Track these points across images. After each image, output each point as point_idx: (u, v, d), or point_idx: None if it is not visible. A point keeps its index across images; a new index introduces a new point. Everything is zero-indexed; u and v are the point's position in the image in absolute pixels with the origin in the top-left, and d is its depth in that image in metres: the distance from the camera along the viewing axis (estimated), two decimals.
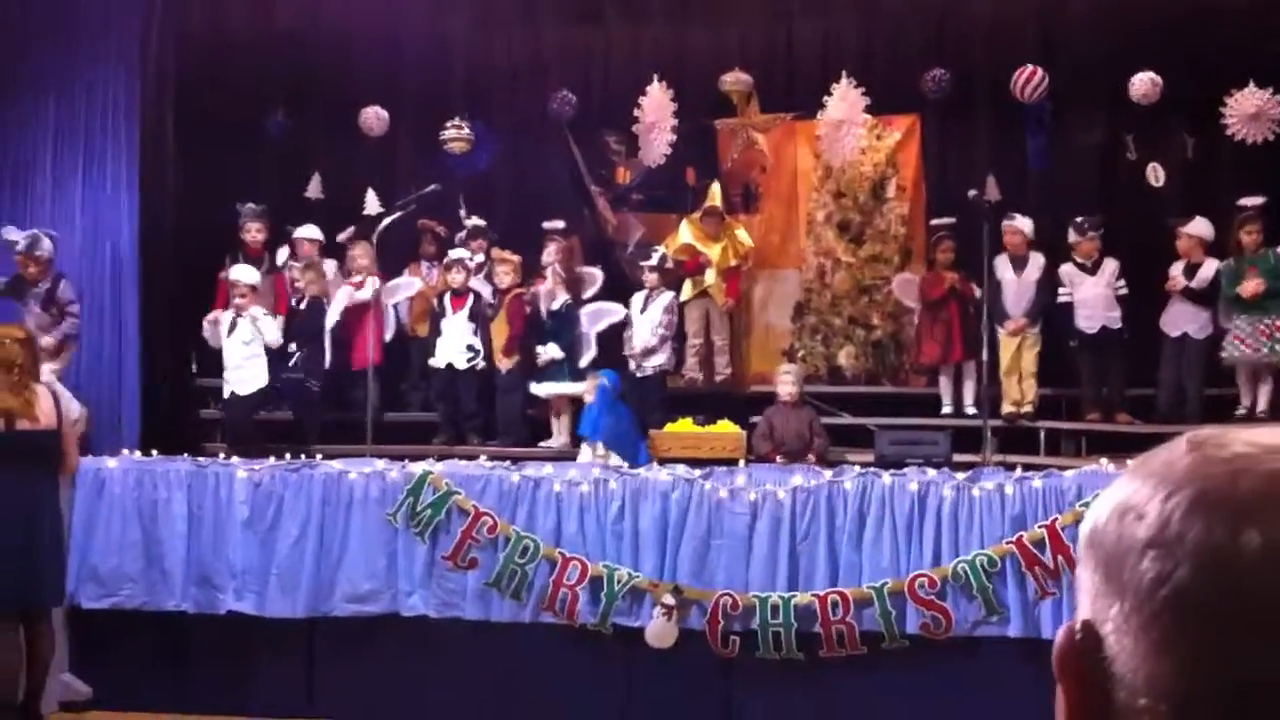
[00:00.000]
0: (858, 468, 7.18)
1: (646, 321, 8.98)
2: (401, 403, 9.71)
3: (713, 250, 9.40)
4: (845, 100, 9.37)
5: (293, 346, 9.00)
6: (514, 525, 7.13)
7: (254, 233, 9.56)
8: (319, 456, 7.62)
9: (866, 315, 9.63)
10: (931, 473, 7.02)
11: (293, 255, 9.81)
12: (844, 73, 9.40)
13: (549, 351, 9.01)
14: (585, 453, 8.31)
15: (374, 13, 10.01)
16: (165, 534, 7.38)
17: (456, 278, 9.18)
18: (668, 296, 9.02)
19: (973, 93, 9.86)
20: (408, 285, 9.59)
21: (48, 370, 7.97)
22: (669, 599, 6.90)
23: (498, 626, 7.13)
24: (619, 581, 6.99)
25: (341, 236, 9.65)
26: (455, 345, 9.11)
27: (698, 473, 7.17)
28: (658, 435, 8.19)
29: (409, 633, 7.22)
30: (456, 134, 9.97)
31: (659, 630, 6.92)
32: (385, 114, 10.16)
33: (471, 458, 7.75)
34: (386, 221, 8.83)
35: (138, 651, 7.41)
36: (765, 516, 6.96)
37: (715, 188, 9.52)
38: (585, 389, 8.44)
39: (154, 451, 7.77)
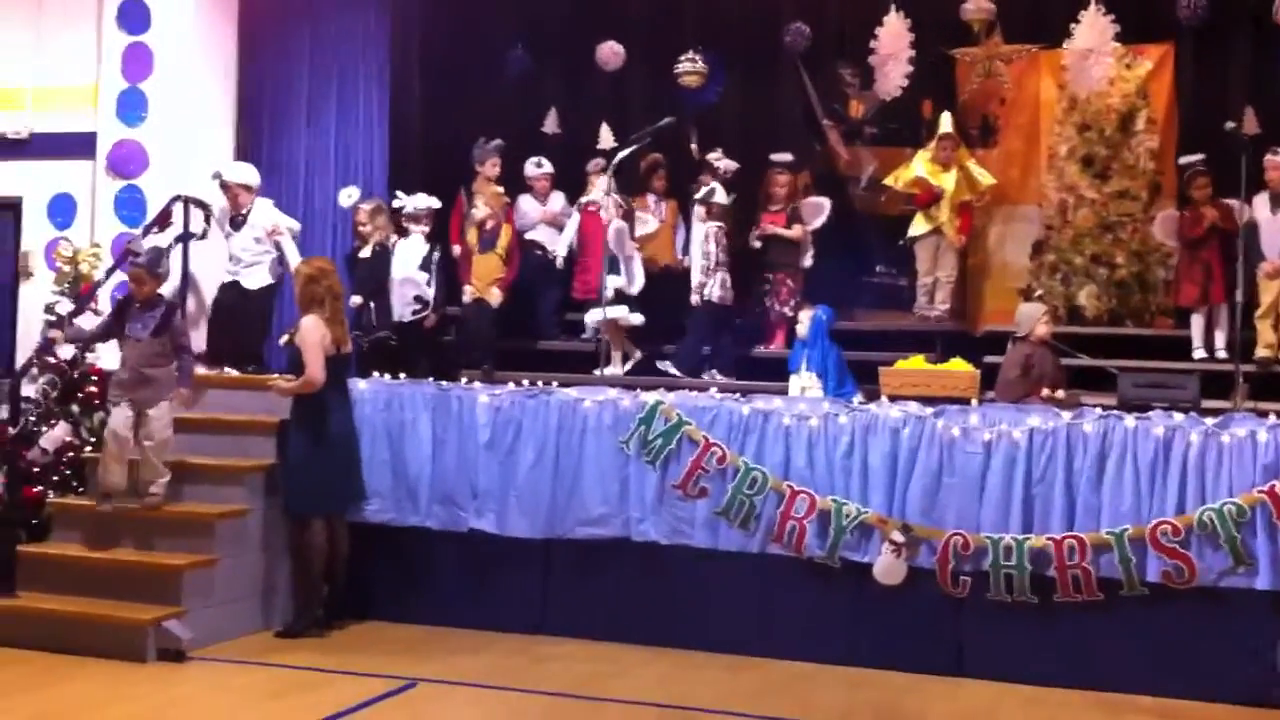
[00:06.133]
0: (1098, 410, 6.96)
1: (698, 254, 9.10)
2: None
3: (946, 180, 9.19)
4: (1093, 28, 9.02)
5: (355, 299, 8.70)
6: (743, 457, 7.20)
7: (490, 167, 9.79)
8: (555, 384, 7.81)
9: (1110, 254, 9.24)
10: (1178, 417, 6.75)
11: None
12: None
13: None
14: (794, 384, 8.36)
15: None
16: (411, 454, 7.74)
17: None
18: (707, 227, 9.04)
19: (1231, 19, 9.30)
20: (642, 222, 9.66)
21: (170, 410, 7.40)
22: (898, 536, 6.88)
23: (726, 555, 7.24)
24: (847, 516, 7.00)
25: (590, 166, 9.79)
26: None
27: (929, 410, 7.08)
28: (887, 372, 8.11)
29: (639, 557, 7.40)
30: (691, 67, 10.02)
31: (887, 566, 6.91)
32: (621, 49, 10.25)
33: (703, 389, 7.84)
34: (621, 155, 8.93)
35: (384, 565, 7.82)
36: (999, 456, 6.83)
37: (946, 115, 9.29)
38: (800, 321, 8.60)
39: (401, 375, 8.11)
